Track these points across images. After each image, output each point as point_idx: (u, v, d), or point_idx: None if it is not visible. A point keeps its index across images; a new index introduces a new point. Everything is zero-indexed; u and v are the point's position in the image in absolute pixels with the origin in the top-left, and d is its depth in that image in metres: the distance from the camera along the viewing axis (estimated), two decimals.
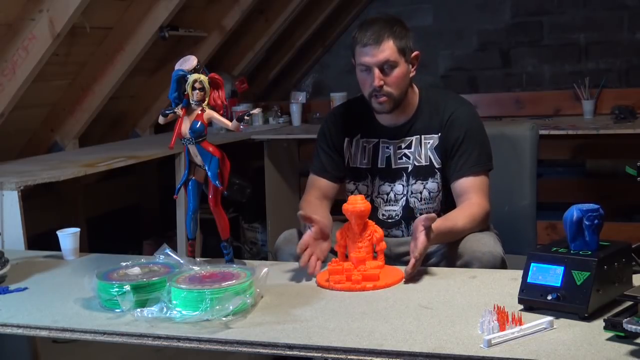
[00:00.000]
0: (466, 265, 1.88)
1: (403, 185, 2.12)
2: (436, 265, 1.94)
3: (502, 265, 1.89)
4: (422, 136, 2.11)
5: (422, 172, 2.10)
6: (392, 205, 2.14)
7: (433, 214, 1.78)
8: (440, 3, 5.10)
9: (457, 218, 1.94)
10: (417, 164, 2.11)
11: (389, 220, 2.15)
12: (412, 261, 1.71)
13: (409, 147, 2.12)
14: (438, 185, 2.10)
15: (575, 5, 4.79)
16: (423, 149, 2.10)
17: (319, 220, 1.88)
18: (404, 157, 2.12)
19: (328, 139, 2.21)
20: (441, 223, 1.85)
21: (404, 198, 2.13)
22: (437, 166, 2.09)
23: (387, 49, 2.01)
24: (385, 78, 2.02)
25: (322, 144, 2.22)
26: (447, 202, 2.10)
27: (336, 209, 1.95)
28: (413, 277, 1.74)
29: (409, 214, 2.13)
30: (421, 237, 1.73)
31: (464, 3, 5.05)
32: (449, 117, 2.08)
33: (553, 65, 4.90)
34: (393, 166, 2.13)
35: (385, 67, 2.02)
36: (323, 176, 2.20)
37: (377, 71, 2.01)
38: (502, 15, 4.98)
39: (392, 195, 2.14)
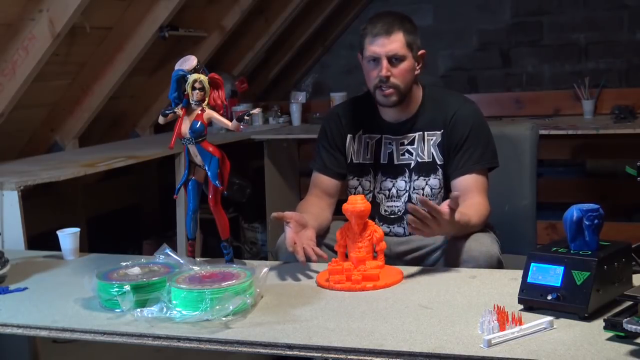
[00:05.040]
0: (462, 263, 1.88)
1: (405, 181, 2.13)
2: (435, 262, 1.95)
3: (499, 265, 1.90)
4: (425, 133, 2.12)
5: (425, 169, 2.11)
6: (394, 201, 2.15)
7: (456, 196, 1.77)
8: (440, 3, 5.10)
9: (471, 215, 1.94)
10: (419, 160, 2.12)
11: (392, 216, 2.16)
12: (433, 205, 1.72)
13: (411, 143, 2.13)
14: (440, 182, 2.11)
15: (575, 5, 4.79)
16: (426, 145, 2.11)
17: (290, 215, 1.91)
18: (406, 154, 2.13)
19: (329, 137, 2.22)
20: (460, 216, 1.85)
21: (407, 194, 2.14)
22: (439, 163, 2.10)
23: (397, 41, 2.03)
24: (392, 69, 2.04)
25: (323, 142, 2.24)
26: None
27: (337, 209, 1.95)
28: (413, 277, 1.74)
29: None
30: (444, 208, 1.73)
31: (464, 3, 5.05)
32: (454, 114, 2.09)
33: (553, 65, 4.90)
34: (395, 162, 2.14)
35: (394, 59, 2.04)
36: (324, 173, 2.21)
37: (385, 61, 2.03)
38: (502, 15, 4.98)
39: (394, 191, 2.15)
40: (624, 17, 4.69)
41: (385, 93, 2.06)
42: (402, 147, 2.14)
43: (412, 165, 2.13)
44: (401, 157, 2.14)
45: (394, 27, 2.03)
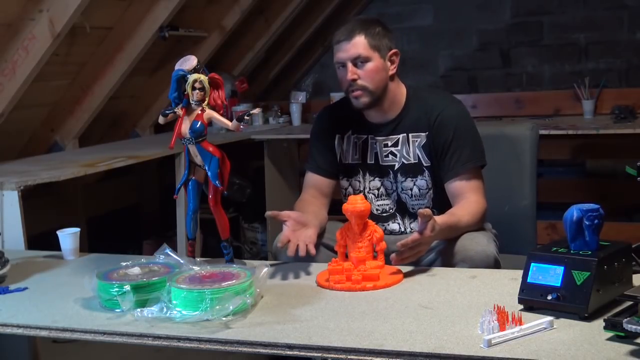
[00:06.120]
0: (458, 263, 1.89)
1: (391, 182, 2.15)
2: (432, 262, 1.95)
3: (496, 265, 1.90)
4: (410, 134, 2.13)
5: (411, 170, 2.12)
6: (384, 199, 2.17)
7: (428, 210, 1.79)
8: (440, 3, 5.10)
9: (461, 214, 1.95)
10: (405, 161, 2.13)
11: (384, 215, 2.18)
12: (393, 256, 1.76)
13: (395, 145, 2.14)
14: (427, 183, 2.12)
15: (575, 5, 4.79)
16: (411, 147, 2.12)
17: (287, 214, 1.93)
18: (390, 155, 2.14)
19: (320, 137, 2.25)
20: (447, 218, 1.88)
21: (395, 193, 2.15)
22: (425, 164, 2.11)
23: (358, 44, 2.06)
24: (358, 72, 2.07)
25: (315, 142, 2.27)
26: (438, 200, 2.12)
27: (336, 209, 1.95)
28: (413, 277, 1.75)
29: (402, 208, 2.16)
30: (414, 235, 1.75)
31: (464, 3, 5.05)
32: (437, 116, 2.10)
33: (553, 65, 4.90)
34: (381, 163, 2.16)
35: (358, 61, 2.06)
36: (317, 173, 2.24)
37: (350, 65, 2.07)
38: (502, 15, 4.98)
39: (382, 190, 2.17)
40: (624, 17, 4.69)
41: (354, 94, 2.09)
42: (385, 148, 2.15)
43: (397, 166, 2.14)
44: (385, 159, 2.15)
45: (354, 32, 2.06)
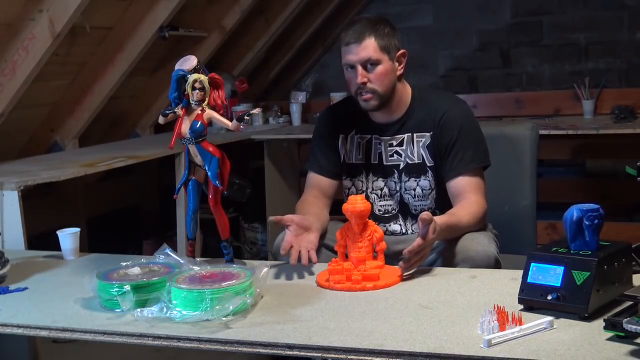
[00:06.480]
0: (459, 263, 1.89)
1: (395, 182, 2.15)
2: (433, 262, 1.95)
3: (496, 265, 1.90)
4: (414, 134, 2.13)
5: (415, 170, 2.12)
6: (387, 200, 2.17)
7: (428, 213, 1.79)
8: (440, 3, 5.10)
9: (461, 215, 1.95)
10: (409, 161, 2.13)
11: (386, 215, 2.18)
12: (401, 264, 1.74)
13: (400, 144, 2.14)
14: (430, 183, 2.12)
15: (575, 5, 4.79)
16: (415, 147, 2.12)
17: (290, 218, 1.92)
18: (395, 155, 2.14)
19: (323, 137, 2.25)
20: (447, 219, 1.87)
21: (398, 194, 2.15)
22: (428, 164, 2.11)
23: (369, 47, 2.04)
24: (368, 75, 2.06)
25: (318, 142, 2.26)
26: (441, 200, 2.12)
27: (336, 209, 1.95)
28: (413, 277, 1.74)
29: (404, 209, 2.15)
30: (417, 241, 1.73)
31: (464, 3, 5.05)
32: (442, 116, 2.10)
33: (553, 65, 4.90)
34: (385, 163, 2.16)
35: (368, 64, 2.05)
36: (319, 173, 2.23)
37: (360, 68, 2.05)
38: (502, 15, 4.98)
39: (385, 190, 2.17)
40: (624, 17, 4.69)
41: (364, 98, 2.08)
42: (390, 148, 2.15)
43: (402, 166, 2.14)
44: (390, 159, 2.15)
45: (364, 34, 2.04)
